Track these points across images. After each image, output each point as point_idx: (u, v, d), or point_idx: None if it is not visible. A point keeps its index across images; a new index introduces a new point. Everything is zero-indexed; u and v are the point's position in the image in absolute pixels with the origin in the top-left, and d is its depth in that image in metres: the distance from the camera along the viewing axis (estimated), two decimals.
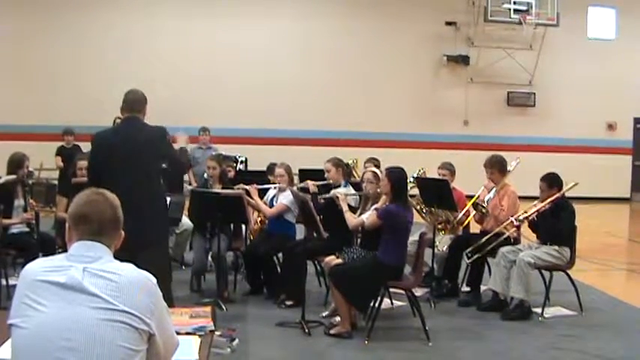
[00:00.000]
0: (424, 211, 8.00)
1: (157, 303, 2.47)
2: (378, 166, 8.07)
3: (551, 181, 7.13)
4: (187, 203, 7.73)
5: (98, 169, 5.51)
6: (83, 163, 7.77)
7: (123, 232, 2.58)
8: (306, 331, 6.19)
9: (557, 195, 7.04)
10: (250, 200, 7.54)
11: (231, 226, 7.81)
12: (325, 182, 7.71)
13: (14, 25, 16.72)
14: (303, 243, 7.36)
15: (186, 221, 8.26)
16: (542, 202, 7.12)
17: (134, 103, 5.60)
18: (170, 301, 5.33)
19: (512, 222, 7.14)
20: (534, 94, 19.05)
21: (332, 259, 6.39)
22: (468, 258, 7.29)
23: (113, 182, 5.11)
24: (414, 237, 6.61)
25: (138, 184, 5.31)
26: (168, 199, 6.60)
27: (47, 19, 16.92)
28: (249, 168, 13.65)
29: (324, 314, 6.69)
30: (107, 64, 17.05)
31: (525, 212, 7.17)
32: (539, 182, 7.22)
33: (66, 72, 16.97)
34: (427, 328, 6.09)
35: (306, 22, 18.17)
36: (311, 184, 7.73)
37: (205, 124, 12.84)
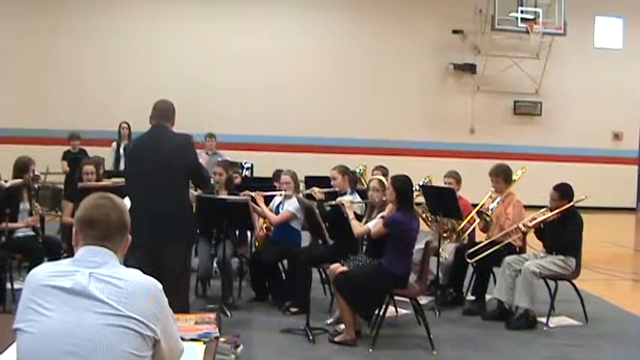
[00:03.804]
0: (430, 219, 7.99)
1: (162, 309, 2.46)
2: (385, 174, 8.07)
3: (564, 193, 7.10)
4: (193, 209, 7.73)
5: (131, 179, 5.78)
6: (89, 168, 7.81)
7: (130, 237, 2.59)
8: (311, 338, 6.18)
9: (566, 207, 7.03)
10: (256, 207, 7.54)
11: (237, 232, 7.81)
12: (331, 190, 7.70)
13: (21, 28, 16.78)
14: (308, 250, 7.36)
15: None
16: (551, 211, 7.11)
17: (164, 112, 5.75)
18: (186, 305, 5.40)
19: (518, 228, 7.13)
20: (541, 103, 19.02)
21: (337, 267, 6.38)
22: (470, 258, 7.26)
23: (143, 188, 5.25)
24: (419, 245, 6.60)
25: (167, 191, 5.44)
26: None
27: (53, 23, 16.96)
28: (255, 174, 13.66)
29: (328, 322, 6.68)
30: (113, 68, 17.13)
31: (534, 219, 7.16)
32: (550, 190, 7.18)
33: (72, 76, 17.01)
34: (432, 336, 6.08)
35: (311, 29, 18.20)
36: (317, 192, 7.72)
37: (211, 129, 12.85)
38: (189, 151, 5.73)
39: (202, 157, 12.00)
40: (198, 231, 7.94)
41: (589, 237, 7.45)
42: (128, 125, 12.41)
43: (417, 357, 5.93)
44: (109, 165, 11.35)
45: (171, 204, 5.47)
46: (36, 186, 8.11)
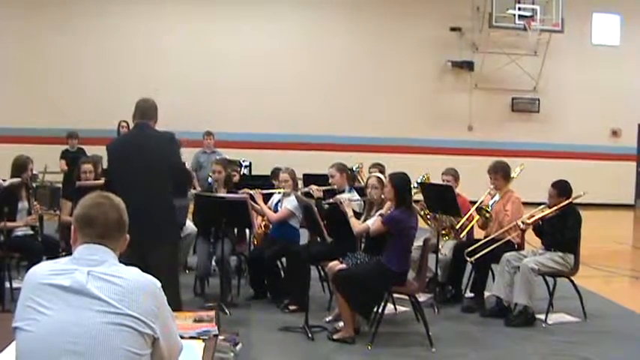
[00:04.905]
0: (428, 216, 7.99)
1: (161, 307, 2.47)
2: (382, 172, 8.06)
3: (562, 190, 7.11)
4: (191, 207, 7.74)
5: (115, 179, 5.68)
6: (87, 167, 7.82)
7: (128, 236, 2.59)
8: (310, 336, 6.18)
9: (564, 203, 7.04)
10: (255, 205, 7.53)
11: (235, 230, 7.81)
12: (329, 187, 7.70)
13: (19, 27, 16.79)
14: (306, 248, 7.36)
15: (190, 225, 8.25)
16: (549, 208, 7.12)
17: (146, 110, 5.69)
18: (178, 304, 5.37)
19: (518, 225, 7.13)
20: (539, 99, 19.04)
21: (336, 264, 6.38)
22: (470, 256, 7.25)
23: (127, 187, 5.22)
24: (418, 242, 6.61)
25: (150, 189, 5.40)
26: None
27: (52, 22, 16.97)
28: (254, 172, 13.66)
29: (327, 319, 6.68)
30: (111, 67, 17.12)
31: (532, 216, 7.16)
32: (549, 187, 7.20)
33: (70, 75, 17.01)
34: (430, 333, 6.08)
35: (310, 27, 18.20)
36: (315, 189, 7.72)
37: (209, 128, 12.85)
38: (173, 149, 5.71)
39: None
40: (196, 229, 8.06)
41: (587, 234, 7.46)
42: (127, 124, 12.40)
43: (416, 354, 5.92)
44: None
45: (155, 203, 5.42)
46: (34, 185, 8.10)
